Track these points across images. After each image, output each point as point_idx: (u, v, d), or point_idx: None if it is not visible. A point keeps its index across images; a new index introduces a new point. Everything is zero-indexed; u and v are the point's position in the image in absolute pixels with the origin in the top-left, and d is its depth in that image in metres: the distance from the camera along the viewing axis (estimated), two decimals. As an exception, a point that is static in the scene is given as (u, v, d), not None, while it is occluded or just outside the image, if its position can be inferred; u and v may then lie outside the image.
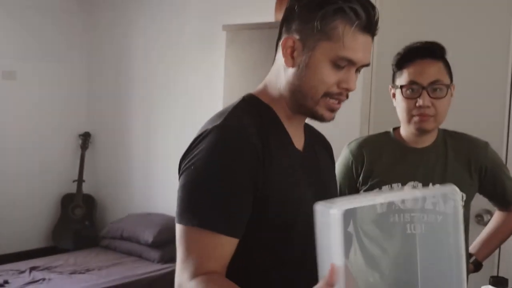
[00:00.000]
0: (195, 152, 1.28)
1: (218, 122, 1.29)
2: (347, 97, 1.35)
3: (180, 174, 1.31)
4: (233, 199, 1.25)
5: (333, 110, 1.35)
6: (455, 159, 1.95)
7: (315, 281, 1.24)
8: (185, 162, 1.30)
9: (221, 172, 1.25)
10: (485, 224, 2.41)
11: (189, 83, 4.73)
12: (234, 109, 1.34)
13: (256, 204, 1.27)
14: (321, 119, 1.36)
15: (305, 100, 1.33)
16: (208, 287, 1.19)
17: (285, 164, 1.33)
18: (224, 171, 1.25)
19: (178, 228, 1.26)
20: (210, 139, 1.27)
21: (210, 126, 1.30)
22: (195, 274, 1.21)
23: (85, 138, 5.46)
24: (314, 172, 1.42)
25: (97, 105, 5.52)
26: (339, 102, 1.34)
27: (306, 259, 1.29)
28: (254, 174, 1.26)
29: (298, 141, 1.42)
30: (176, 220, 1.27)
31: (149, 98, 5.05)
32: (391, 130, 2.04)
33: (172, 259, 4.53)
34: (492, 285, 1.71)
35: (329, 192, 1.45)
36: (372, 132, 3.04)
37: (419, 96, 1.86)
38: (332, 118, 1.36)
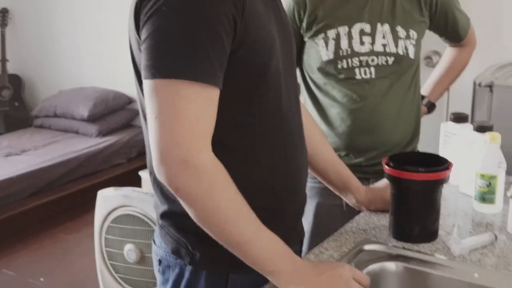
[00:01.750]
0: None
1: None
2: None
3: (146, 18, 1.05)
4: (219, 45, 1.04)
5: None
6: (404, -4, 1.79)
7: (292, 138, 1.22)
8: (151, 3, 1.04)
9: (203, 11, 1.03)
10: (434, 65, 2.32)
11: None
12: None
13: (232, 48, 1.08)
14: None
15: None
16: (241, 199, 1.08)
17: (258, 3, 1.14)
18: (206, 9, 1.03)
19: (152, 84, 1.03)
20: None
21: None
22: (206, 148, 1.04)
23: (3, 15, 5.04)
24: (276, 12, 1.23)
25: (10, -25, 5.04)
26: None
27: (282, 114, 1.19)
28: (234, 12, 1.06)
29: None
30: (146, 74, 1.04)
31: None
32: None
33: (110, 132, 4.41)
34: (453, 121, 1.62)
35: (290, 33, 1.30)
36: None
37: None
38: None
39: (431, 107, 2.03)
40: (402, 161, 1.34)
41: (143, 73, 1.05)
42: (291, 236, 1.17)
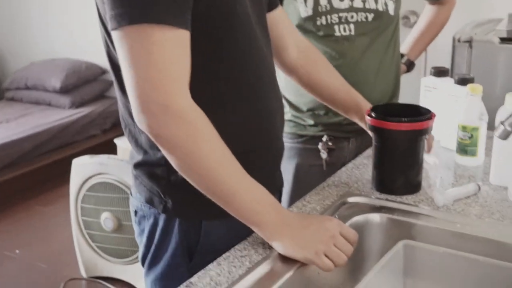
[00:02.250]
0: None
1: None
2: None
3: None
4: None
5: None
6: None
7: (262, 82, 1.20)
8: None
9: None
10: (412, 25, 2.30)
11: None
12: None
13: None
14: None
15: None
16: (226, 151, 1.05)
17: None
18: None
19: (121, 34, 1.00)
20: None
21: None
22: (184, 93, 1.02)
23: (-31, -15, 4.90)
24: None
25: None
26: None
27: (251, 59, 1.17)
28: None
29: None
30: (113, 24, 1.00)
31: None
32: None
33: (84, 103, 4.34)
34: (434, 75, 1.61)
35: None
36: None
37: None
38: None
39: (410, 65, 2.02)
40: (384, 112, 1.32)
41: (110, 25, 1.01)
42: (269, 183, 1.15)
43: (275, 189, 1.31)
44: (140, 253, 1.27)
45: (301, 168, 1.82)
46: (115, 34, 1.01)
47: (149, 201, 1.21)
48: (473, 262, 1.17)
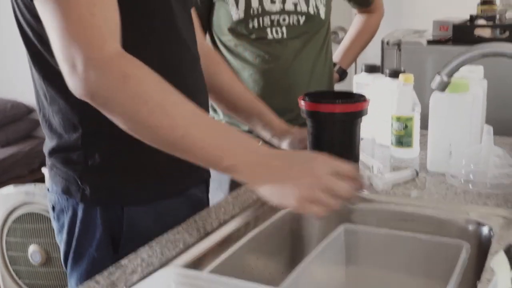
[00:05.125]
0: None
1: None
2: None
3: None
4: None
5: None
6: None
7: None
8: None
9: None
10: (340, 41, 2.32)
11: None
12: None
13: None
14: None
15: None
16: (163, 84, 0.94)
17: None
18: None
19: None
20: None
21: None
22: (109, 41, 0.92)
23: None
24: None
25: None
26: None
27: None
28: None
29: None
30: None
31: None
32: None
33: (10, 143, 4.16)
34: (366, 71, 1.61)
35: None
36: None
37: None
38: None
39: (343, 73, 2.02)
40: (318, 99, 1.29)
41: None
42: (193, 171, 1.09)
43: (202, 179, 1.25)
44: (61, 253, 1.17)
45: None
46: (38, 2, 0.94)
47: (66, 191, 1.12)
48: (415, 241, 1.14)
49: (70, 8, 0.91)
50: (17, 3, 1.06)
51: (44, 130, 1.15)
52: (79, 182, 1.10)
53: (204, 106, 1.23)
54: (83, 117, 1.07)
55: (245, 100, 1.39)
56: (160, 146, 0.95)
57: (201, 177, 1.24)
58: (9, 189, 2.60)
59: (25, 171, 4.13)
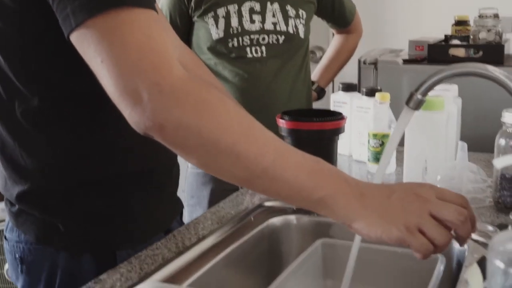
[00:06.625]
0: None
1: None
2: None
3: None
4: None
5: None
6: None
7: None
8: None
9: None
10: (318, 60, 2.36)
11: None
12: None
13: None
14: None
15: None
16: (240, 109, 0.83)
17: None
18: None
19: (80, 32, 0.80)
20: None
21: None
22: (175, 64, 0.79)
23: None
24: None
25: None
26: None
27: None
28: None
29: None
30: (79, 18, 0.79)
31: None
32: None
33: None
34: (343, 90, 1.64)
35: None
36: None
37: None
38: None
39: (321, 92, 2.05)
40: (297, 117, 1.32)
41: (68, 23, 0.81)
42: (171, 204, 1.12)
43: (177, 211, 1.23)
44: None
45: (216, 193, 1.78)
46: (74, 37, 0.81)
47: (43, 239, 1.02)
48: (391, 255, 1.16)
49: (124, 35, 0.79)
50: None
51: (5, 171, 1.03)
52: (62, 229, 1.01)
53: None
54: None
55: None
56: (241, 178, 0.82)
57: (177, 209, 1.24)
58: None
59: None
